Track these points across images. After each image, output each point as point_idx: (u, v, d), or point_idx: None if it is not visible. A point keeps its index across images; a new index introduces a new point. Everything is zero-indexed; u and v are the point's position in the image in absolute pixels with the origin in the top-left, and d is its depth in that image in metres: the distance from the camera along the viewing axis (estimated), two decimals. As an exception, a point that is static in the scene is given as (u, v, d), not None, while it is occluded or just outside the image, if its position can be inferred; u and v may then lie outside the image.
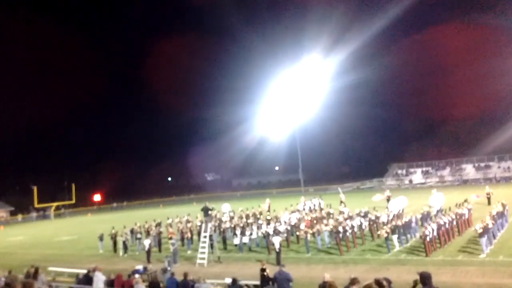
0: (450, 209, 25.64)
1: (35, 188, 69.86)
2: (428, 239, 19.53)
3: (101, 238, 29.26)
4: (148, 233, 28.97)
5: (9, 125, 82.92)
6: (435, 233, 20.10)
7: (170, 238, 25.07)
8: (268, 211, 35.85)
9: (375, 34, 68.04)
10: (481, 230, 18.63)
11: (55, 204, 76.70)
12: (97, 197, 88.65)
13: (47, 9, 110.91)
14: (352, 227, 23.11)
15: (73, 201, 77.60)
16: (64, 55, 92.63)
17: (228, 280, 14.19)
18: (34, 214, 74.60)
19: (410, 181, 69.29)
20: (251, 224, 28.20)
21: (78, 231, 43.36)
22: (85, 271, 16.20)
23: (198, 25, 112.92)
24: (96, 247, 29.42)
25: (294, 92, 68.72)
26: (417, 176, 71.23)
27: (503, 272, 15.83)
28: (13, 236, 45.11)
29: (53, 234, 44.12)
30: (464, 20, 72.81)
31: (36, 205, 71.98)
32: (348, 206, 32.89)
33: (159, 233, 28.61)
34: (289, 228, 25.94)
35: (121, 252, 27.17)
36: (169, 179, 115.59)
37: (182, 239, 27.39)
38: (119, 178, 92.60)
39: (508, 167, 64.84)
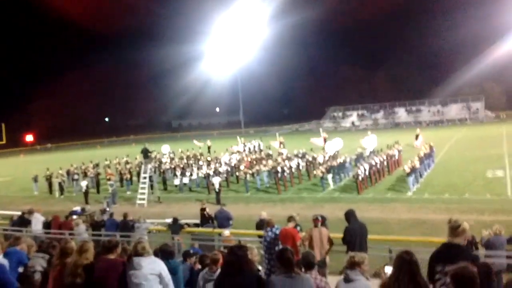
0: (381, 150, 27.06)
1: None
2: (360, 178, 20.68)
3: (35, 179, 28.33)
4: (85, 175, 28.37)
5: None
6: (367, 173, 21.28)
7: (109, 179, 24.76)
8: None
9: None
10: (409, 170, 19.89)
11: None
12: (29, 138, 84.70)
13: None
14: (290, 167, 23.86)
15: (3, 142, 73.71)
16: None
17: (169, 220, 14.35)
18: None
19: (352, 123, 71.37)
20: (191, 165, 28.41)
21: (11, 173, 41.58)
22: (19, 213, 15.73)
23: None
24: (30, 189, 28.52)
25: (236, 33, 67.68)
26: (353, 118, 73.67)
27: (427, 208, 17.14)
28: None
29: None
30: None
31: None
32: (287, 147, 33.69)
33: (97, 174, 28.16)
34: (229, 169, 26.35)
35: (57, 194, 26.57)
36: (107, 119, 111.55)
37: (121, 180, 27.14)
38: (53, 117, 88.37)
39: (438, 111, 68.49)
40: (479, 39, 63.15)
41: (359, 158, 25.61)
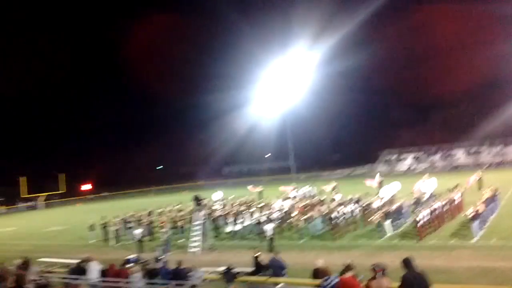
0: (441, 194, 25.79)
1: (23, 179, 69.32)
2: (420, 223, 19.61)
3: (91, 228, 29.02)
4: (139, 223, 28.78)
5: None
6: (427, 218, 20.18)
7: (162, 227, 24.93)
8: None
9: (364, 19, 67.62)
10: (472, 215, 18.70)
11: (45, 194, 76.12)
12: (86, 187, 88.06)
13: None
14: (344, 213, 23.12)
15: (63, 191, 77.11)
16: (39, 39, 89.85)
17: (222, 268, 14.07)
18: (21, 205, 74.04)
19: (409, 167, 69.28)
20: (243, 211, 28.19)
21: (68, 221, 43.00)
22: (76, 261, 15.98)
23: (185, 7, 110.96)
24: (86, 237, 29.17)
25: (283, 79, 68.53)
26: (408, 162, 71.56)
27: (495, 255, 15.88)
28: (2, 227, 44.66)
29: (42, 224, 43.75)
30: (453, 2, 72.49)
31: (24, 195, 71.43)
32: (340, 192, 32.94)
33: (151, 222, 28.48)
34: (281, 215, 25.91)
35: (113, 242, 26.98)
36: (159, 167, 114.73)
37: (174, 227, 27.27)
38: (108, 167, 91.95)
39: (498, 152, 65.37)
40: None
41: (418, 202, 24.47)
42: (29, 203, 74.99)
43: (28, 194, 73.27)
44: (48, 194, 77.39)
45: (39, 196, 76.00)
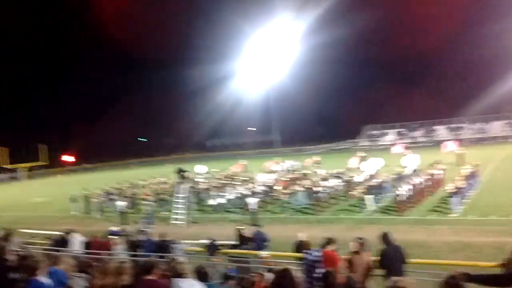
0: (422, 169, 26.23)
1: (4, 149, 68.39)
2: (400, 198, 19.98)
3: (74, 199, 28.88)
4: (122, 195, 28.70)
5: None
6: (408, 193, 20.54)
7: (145, 200, 24.94)
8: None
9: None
10: (452, 190, 19.09)
11: (28, 165, 75.32)
12: (68, 158, 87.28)
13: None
14: (327, 187, 23.38)
15: (46, 163, 76.39)
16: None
17: (205, 241, 14.18)
18: (2, 176, 73.29)
19: (391, 142, 70.15)
20: (227, 185, 28.30)
21: (50, 193, 42.71)
22: (59, 233, 15.94)
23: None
24: (69, 209, 29.06)
25: (267, 51, 67.83)
26: (391, 137, 72.30)
27: (472, 230, 16.29)
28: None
29: (24, 196, 43.39)
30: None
31: (5, 165, 70.65)
32: (323, 167, 33.22)
33: (134, 194, 28.45)
34: (265, 188, 26.09)
35: (97, 214, 26.94)
36: (142, 139, 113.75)
37: (158, 200, 27.28)
38: (90, 138, 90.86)
39: (479, 129, 66.40)
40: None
41: (400, 178, 24.86)
42: (10, 174, 74.18)
43: (10, 164, 72.37)
44: (30, 165, 76.53)
45: (20, 167, 75.14)
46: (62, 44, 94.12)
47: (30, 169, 76.85)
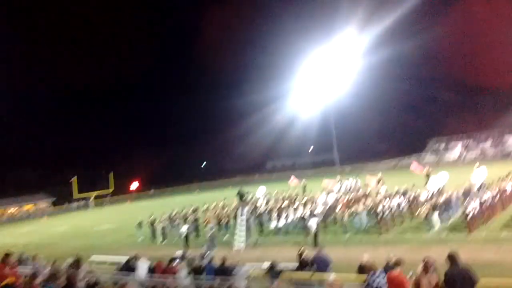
0: (492, 184, 24.72)
1: (74, 179, 72.12)
2: (470, 216, 18.89)
3: (139, 226, 29.83)
4: (185, 220, 29.33)
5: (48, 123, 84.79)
6: (477, 210, 19.40)
7: (207, 224, 25.29)
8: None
9: (410, 7, 65.46)
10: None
11: (94, 193, 78.90)
12: (134, 185, 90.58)
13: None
14: (390, 206, 22.60)
15: (112, 190, 79.71)
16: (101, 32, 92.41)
17: (267, 264, 14.09)
18: (73, 205, 77.15)
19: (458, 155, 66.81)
20: (287, 207, 28.10)
21: (118, 220, 44.39)
22: (126, 258, 16.48)
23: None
24: (135, 235, 30.01)
25: (327, 68, 67.23)
26: (457, 150, 69.05)
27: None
28: (55, 227, 46.70)
29: (93, 223, 45.40)
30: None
31: (76, 197, 74.40)
32: (386, 184, 32.23)
33: (196, 219, 28.95)
34: (326, 209, 25.66)
35: (159, 239, 27.61)
36: (203, 163, 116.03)
37: (219, 224, 27.58)
38: (155, 165, 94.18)
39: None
40: None
41: (468, 193, 23.59)
42: (80, 203, 77.99)
43: (79, 193, 76.19)
44: (98, 194, 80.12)
45: (89, 195, 78.83)
46: (127, 78, 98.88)
47: (98, 196, 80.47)
